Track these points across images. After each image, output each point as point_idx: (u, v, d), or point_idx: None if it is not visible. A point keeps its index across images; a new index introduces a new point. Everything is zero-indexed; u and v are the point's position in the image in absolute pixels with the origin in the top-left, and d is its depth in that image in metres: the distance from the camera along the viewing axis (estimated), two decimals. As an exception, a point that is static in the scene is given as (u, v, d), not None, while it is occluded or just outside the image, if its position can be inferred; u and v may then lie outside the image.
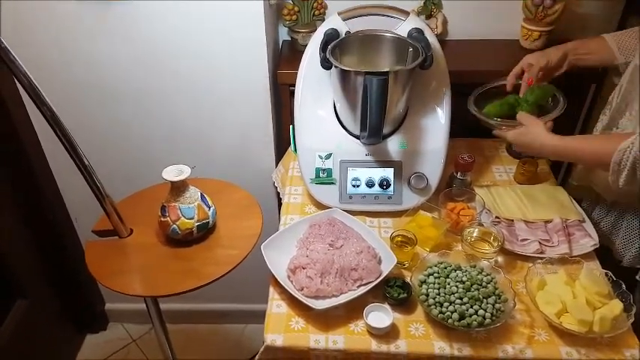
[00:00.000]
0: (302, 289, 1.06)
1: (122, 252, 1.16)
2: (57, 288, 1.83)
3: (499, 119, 1.24)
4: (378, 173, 1.26)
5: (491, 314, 0.98)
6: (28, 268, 1.66)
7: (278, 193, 1.58)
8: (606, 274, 1.07)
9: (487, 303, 0.99)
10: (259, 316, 1.11)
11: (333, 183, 1.27)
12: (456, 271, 1.06)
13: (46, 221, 1.68)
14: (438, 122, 1.26)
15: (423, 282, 1.06)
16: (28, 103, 1.48)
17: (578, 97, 1.56)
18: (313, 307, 1.02)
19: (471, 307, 0.99)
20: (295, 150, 1.33)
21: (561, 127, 1.60)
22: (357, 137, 1.27)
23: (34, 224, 1.66)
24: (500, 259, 1.15)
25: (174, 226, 1.12)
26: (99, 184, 1.09)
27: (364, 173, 1.26)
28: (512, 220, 1.23)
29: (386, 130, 1.25)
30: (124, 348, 2.00)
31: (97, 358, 1.96)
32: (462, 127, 1.47)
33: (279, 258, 1.12)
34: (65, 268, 1.81)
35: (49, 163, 1.63)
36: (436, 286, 1.03)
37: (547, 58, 1.25)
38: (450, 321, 0.98)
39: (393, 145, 1.26)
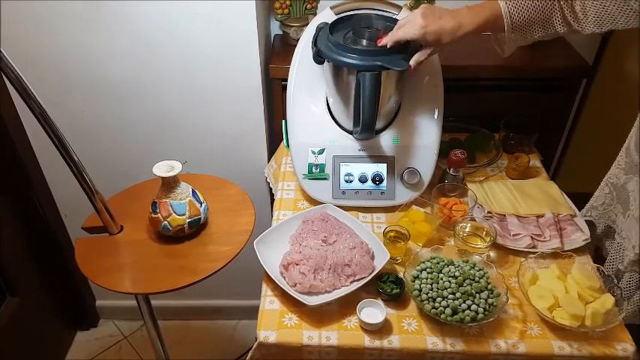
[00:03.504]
0: (295, 285, 1.05)
1: (113, 249, 1.15)
2: (47, 285, 1.81)
3: None
4: (371, 168, 1.26)
5: (484, 309, 0.98)
6: (17, 265, 1.64)
7: (270, 189, 1.58)
8: (598, 269, 1.07)
9: (480, 298, 1.00)
10: (252, 313, 1.11)
11: (325, 178, 1.26)
12: (448, 266, 1.06)
13: (36, 218, 1.66)
14: (430, 117, 1.26)
15: (416, 277, 1.05)
16: (16, 97, 1.46)
17: (568, 92, 1.57)
18: (306, 303, 1.01)
19: (464, 302, 0.99)
20: (288, 145, 1.32)
21: (551, 123, 1.62)
22: (350, 132, 1.26)
23: (24, 221, 1.65)
24: (492, 253, 1.16)
25: (166, 222, 1.11)
26: (88, 180, 1.08)
27: (357, 168, 1.26)
28: (505, 215, 1.23)
29: (379, 125, 1.25)
30: (115, 345, 1.99)
31: (88, 355, 1.94)
32: (455, 122, 1.48)
33: (271, 254, 1.11)
34: (55, 265, 1.80)
35: (38, 159, 1.61)
36: (429, 281, 1.03)
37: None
38: (442, 316, 0.98)
39: (386, 140, 1.26)
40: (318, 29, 1.19)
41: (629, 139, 1.06)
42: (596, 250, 1.20)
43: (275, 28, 1.62)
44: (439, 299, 1.00)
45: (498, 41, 1.09)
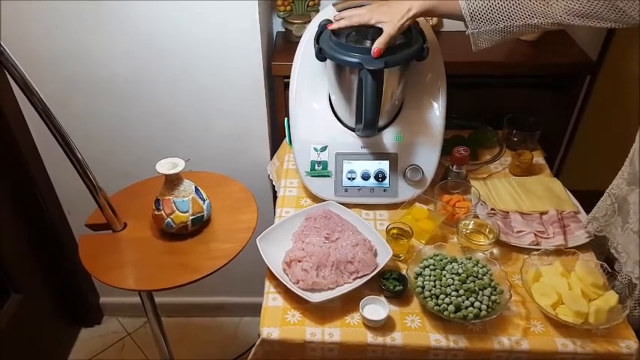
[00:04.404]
0: (298, 282, 1.05)
1: (116, 246, 1.15)
2: (51, 282, 1.82)
3: None
4: (374, 166, 1.26)
5: (487, 306, 0.98)
6: (21, 262, 1.65)
7: (273, 186, 1.58)
8: (601, 266, 1.07)
9: (483, 295, 0.99)
10: (255, 310, 1.11)
11: (328, 176, 1.26)
12: (451, 263, 1.06)
13: (39, 215, 1.67)
14: (433, 114, 1.26)
15: (419, 274, 1.05)
16: (20, 96, 1.47)
17: (572, 88, 1.56)
18: (309, 300, 1.01)
19: (467, 299, 0.99)
20: (290, 142, 1.32)
21: (555, 120, 1.61)
22: (353, 129, 1.26)
23: (27, 218, 1.65)
24: (495, 250, 1.15)
25: (169, 219, 1.11)
26: (92, 177, 1.08)
27: (360, 166, 1.26)
28: (508, 212, 1.23)
29: (381, 123, 1.24)
30: (118, 342, 2.00)
31: (91, 352, 1.95)
32: (458, 119, 1.48)
33: (274, 251, 1.12)
34: (59, 262, 1.80)
35: (42, 156, 1.61)
36: (432, 278, 1.03)
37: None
38: (445, 313, 0.98)
39: (389, 137, 1.26)
40: (321, 26, 1.19)
41: (634, 150, 1.03)
42: (607, 260, 1.18)
43: (277, 25, 1.62)
44: (442, 296, 1.00)
45: (472, 36, 1.07)
